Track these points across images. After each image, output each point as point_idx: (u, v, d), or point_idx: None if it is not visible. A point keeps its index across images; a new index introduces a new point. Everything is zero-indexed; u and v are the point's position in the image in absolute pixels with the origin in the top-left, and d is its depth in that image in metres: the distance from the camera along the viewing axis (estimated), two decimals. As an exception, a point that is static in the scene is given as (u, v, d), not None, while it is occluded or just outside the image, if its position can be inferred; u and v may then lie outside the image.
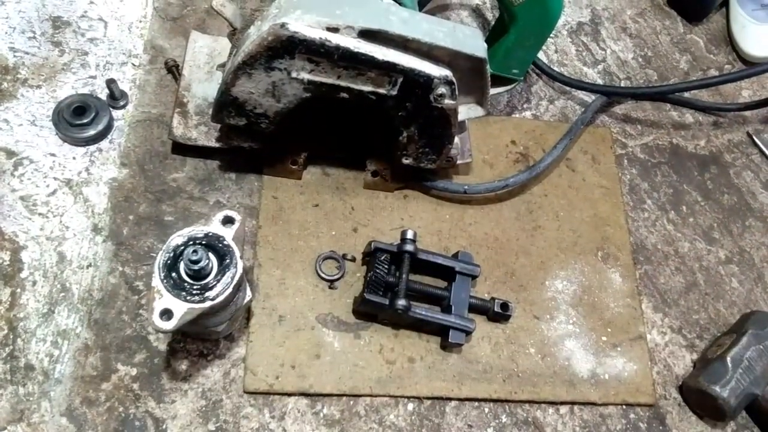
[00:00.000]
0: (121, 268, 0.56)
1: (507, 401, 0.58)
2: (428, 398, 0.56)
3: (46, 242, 0.56)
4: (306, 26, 0.49)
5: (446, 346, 0.58)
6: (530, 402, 0.58)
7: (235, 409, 0.53)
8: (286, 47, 0.49)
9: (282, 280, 0.58)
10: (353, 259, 0.60)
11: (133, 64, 0.66)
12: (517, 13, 0.65)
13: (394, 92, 0.53)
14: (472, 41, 0.55)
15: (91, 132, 0.60)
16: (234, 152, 0.61)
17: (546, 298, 0.63)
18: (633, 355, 0.62)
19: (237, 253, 0.46)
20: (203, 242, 0.46)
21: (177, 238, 0.45)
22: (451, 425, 0.56)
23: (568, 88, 0.78)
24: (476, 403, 0.57)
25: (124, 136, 0.62)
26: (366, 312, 0.57)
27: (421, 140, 0.58)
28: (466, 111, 0.60)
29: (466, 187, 0.64)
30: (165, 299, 0.43)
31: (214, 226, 0.47)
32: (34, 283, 0.54)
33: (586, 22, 0.85)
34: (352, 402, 0.55)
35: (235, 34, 0.54)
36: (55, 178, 0.59)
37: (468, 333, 0.57)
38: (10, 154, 0.59)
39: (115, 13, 0.69)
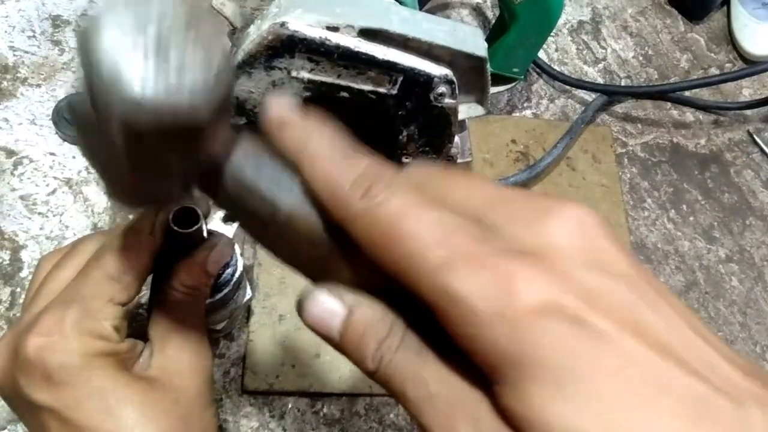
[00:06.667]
0: (121, 268, 0.56)
1: (507, 400, 0.58)
2: (428, 397, 0.56)
3: (45, 241, 0.56)
4: (306, 25, 0.49)
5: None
6: (530, 401, 0.58)
7: (235, 409, 0.53)
8: (286, 46, 0.49)
9: (282, 279, 0.58)
10: (353, 258, 0.60)
11: (133, 63, 0.66)
12: (517, 11, 0.65)
13: (394, 91, 0.53)
14: (472, 40, 0.55)
15: (91, 131, 0.60)
16: (234, 151, 0.61)
17: (546, 297, 0.63)
18: (633, 354, 0.62)
19: (237, 252, 0.46)
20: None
21: None
22: (451, 424, 0.56)
23: (568, 87, 0.77)
24: (476, 402, 0.57)
25: (124, 135, 0.62)
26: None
27: (421, 139, 0.58)
28: (467, 110, 0.60)
29: (466, 186, 0.64)
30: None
31: (215, 224, 0.47)
32: (34, 282, 0.54)
33: (586, 20, 0.85)
34: (352, 401, 0.55)
35: (235, 33, 0.54)
36: (54, 178, 0.59)
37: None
38: (9, 153, 0.59)
39: (115, 12, 0.69)
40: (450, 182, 0.21)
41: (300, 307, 0.22)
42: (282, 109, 0.23)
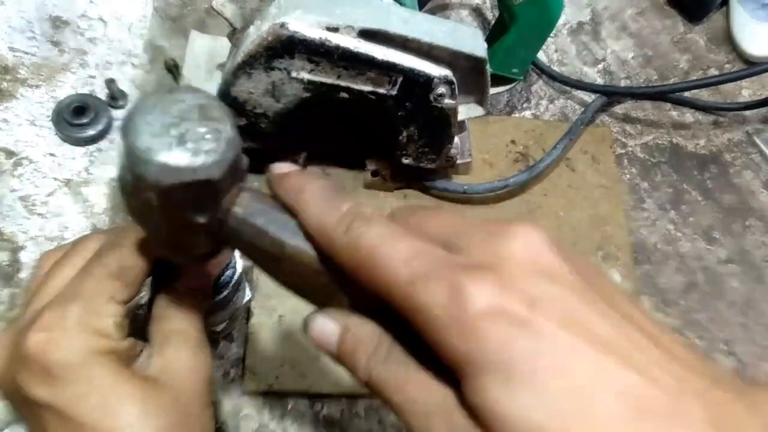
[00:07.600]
0: (120, 268, 0.56)
1: (507, 401, 0.58)
2: (428, 398, 0.56)
3: (45, 242, 0.56)
4: (306, 26, 0.49)
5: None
6: (530, 402, 0.58)
7: (235, 410, 0.53)
8: (285, 47, 0.49)
9: (282, 280, 0.58)
10: (353, 259, 0.60)
11: (133, 64, 0.66)
12: (517, 12, 0.65)
13: (393, 92, 0.53)
14: (472, 41, 0.55)
15: (91, 132, 0.60)
16: (234, 152, 0.61)
17: (546, 297, 0.63)
18: (633, 354, 0.62)
19: (237, 254, 0.46)
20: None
21: None
22: (451, 425, 0.56)
23: (568, 88, 0.78)
24: (476, 403, 0.57)
25: (124, 136, 0.62)
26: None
27: (420, 140, 0.58)
28: (466, 110, 0.60)
29: (465, 187, 0.64)
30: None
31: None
32: (34, 283, 0.54)
33: (586, 21, 0.85)
34: (351, 402, 0.55)
35: (235, 34, 0.54)
36: (54, 178, 0.59)
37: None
38: (9, 153, 0.59)
39: (115, 13, 0.69)
40: (423, 216, 0.26)
41: (305, 328, 0.28)
42: (283, 166, 0.29)
